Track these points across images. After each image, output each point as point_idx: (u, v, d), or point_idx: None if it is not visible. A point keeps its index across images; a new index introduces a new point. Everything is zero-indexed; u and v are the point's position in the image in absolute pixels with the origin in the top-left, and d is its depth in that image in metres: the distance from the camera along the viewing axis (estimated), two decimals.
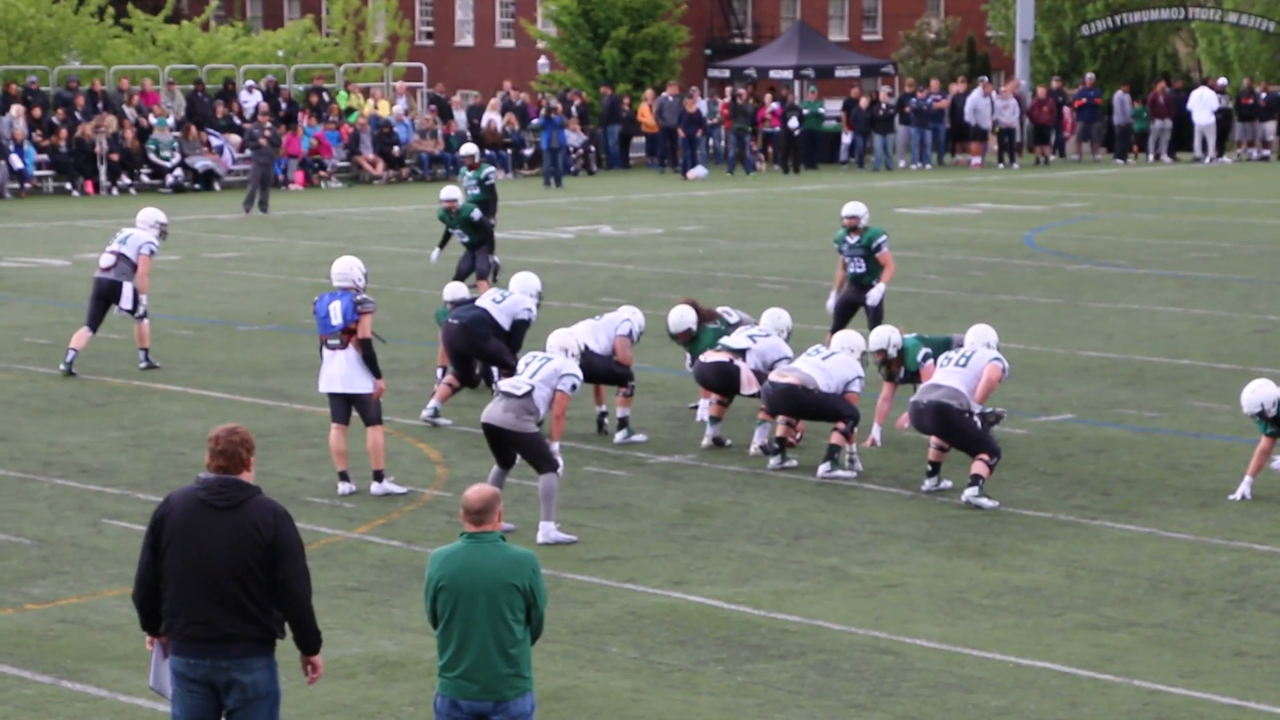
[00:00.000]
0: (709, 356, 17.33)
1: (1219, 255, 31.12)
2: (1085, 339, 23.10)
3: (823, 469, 16.23)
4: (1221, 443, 17.50)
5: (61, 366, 20.94)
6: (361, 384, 15.58)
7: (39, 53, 49.66)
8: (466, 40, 78.05)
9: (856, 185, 44.53)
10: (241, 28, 56.66)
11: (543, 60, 63.56)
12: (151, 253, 21.20)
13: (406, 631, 12.20)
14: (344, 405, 15.72)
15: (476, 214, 23.59)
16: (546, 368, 14.47)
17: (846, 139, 49.93)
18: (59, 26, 50.06)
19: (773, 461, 16.62)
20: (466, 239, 23.66)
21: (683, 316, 18.05)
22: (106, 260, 21.05)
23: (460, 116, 48.36)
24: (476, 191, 26.59)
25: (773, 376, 16.53)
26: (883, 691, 11.18)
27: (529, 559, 8.63)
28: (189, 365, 21.50)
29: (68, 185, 42.99)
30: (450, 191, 23.84)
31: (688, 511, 15.28)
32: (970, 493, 15.26)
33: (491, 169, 27.80)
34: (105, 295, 20.93)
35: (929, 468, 15.84)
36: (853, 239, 20.23)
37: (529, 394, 14.27)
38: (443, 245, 24.40)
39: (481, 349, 18.36)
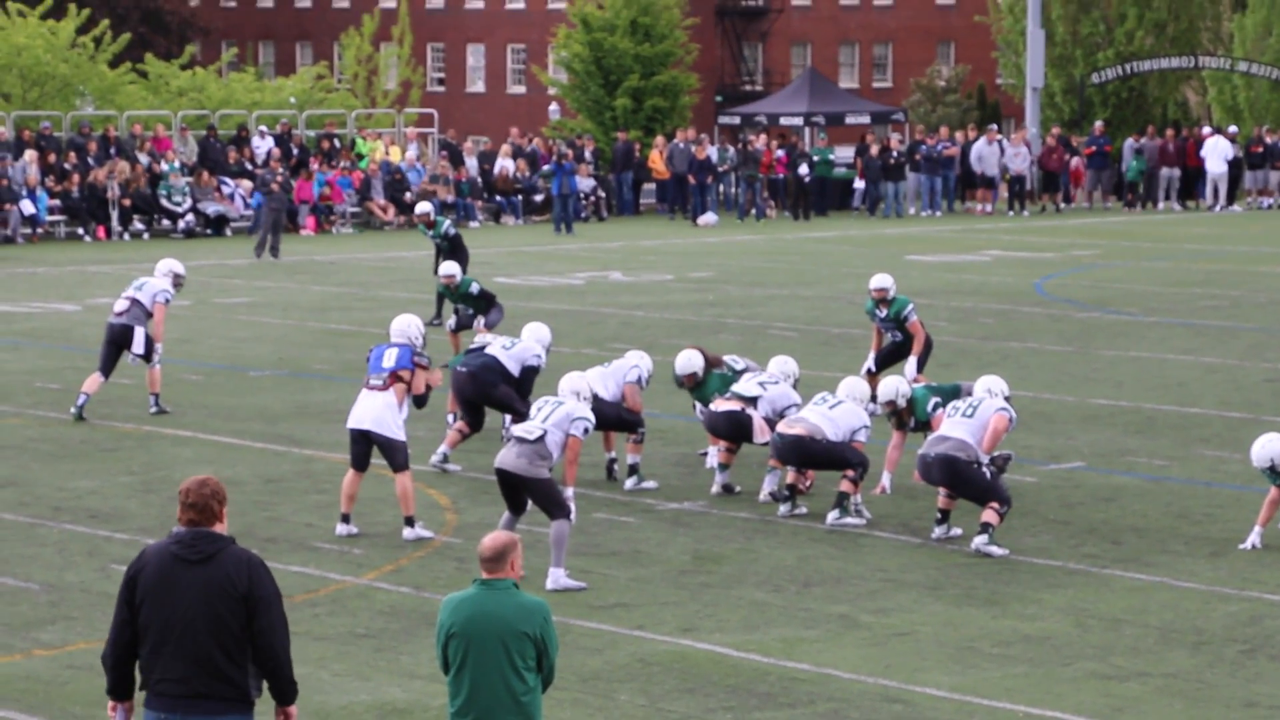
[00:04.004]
0: (720, 405, 17.34)
1: (1229, 304, 31.11)
2: (1095, 387, 23.07)
3: (831, 516, 16.21)
4: (1232, 492, 17.47)
5: (72, 410, 20.96)
6: (391, 429, 15.65)
7: (52, 98, 49.85)
8: (478, 86, 78.30)
9: (867, 232, 44.57)
10: (254, 74, 56.85)
11: (554, 106, 63.73)
12: (166, 301, 21.29)
13: (415, 678, 12.17)
14: (366, 449, 15.78)
15: (476, 287, 23.62)
16: (558, 412, 14.48)
17: (859, 185, 49.99)
18: (73, 73, 50.25)
19: (782, 509, 16.60)
20: (471, 311, 23.71)
21: (690, 360, 18.07)
22: (121, 305, 21.13)
23: (471, 163, 48.48)
24: (445, 245, 27.13)
25: (780, 427, 16.52)
26: None
27: (541, 607, 8.62)
28: (199, 410, 21.52)
29: (80, 230, 43.10)
30: (449, 268, 23.93)
31: (697, 558, 15.25)
32: (980, 540, 15.23)
33: (449, 221, 28.11)
34: (117, 340, 20.98)
35: (939, 515, 15.82)
36: (882, 311, 20.38)
37: (541, 439, 14.29)
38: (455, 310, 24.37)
39: (491, 396, 18.37)
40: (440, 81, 77.86)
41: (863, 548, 15.56)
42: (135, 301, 21.09)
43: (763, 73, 77.00)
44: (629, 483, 17.61)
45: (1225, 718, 11.53)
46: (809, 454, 16.29)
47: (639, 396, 17.83)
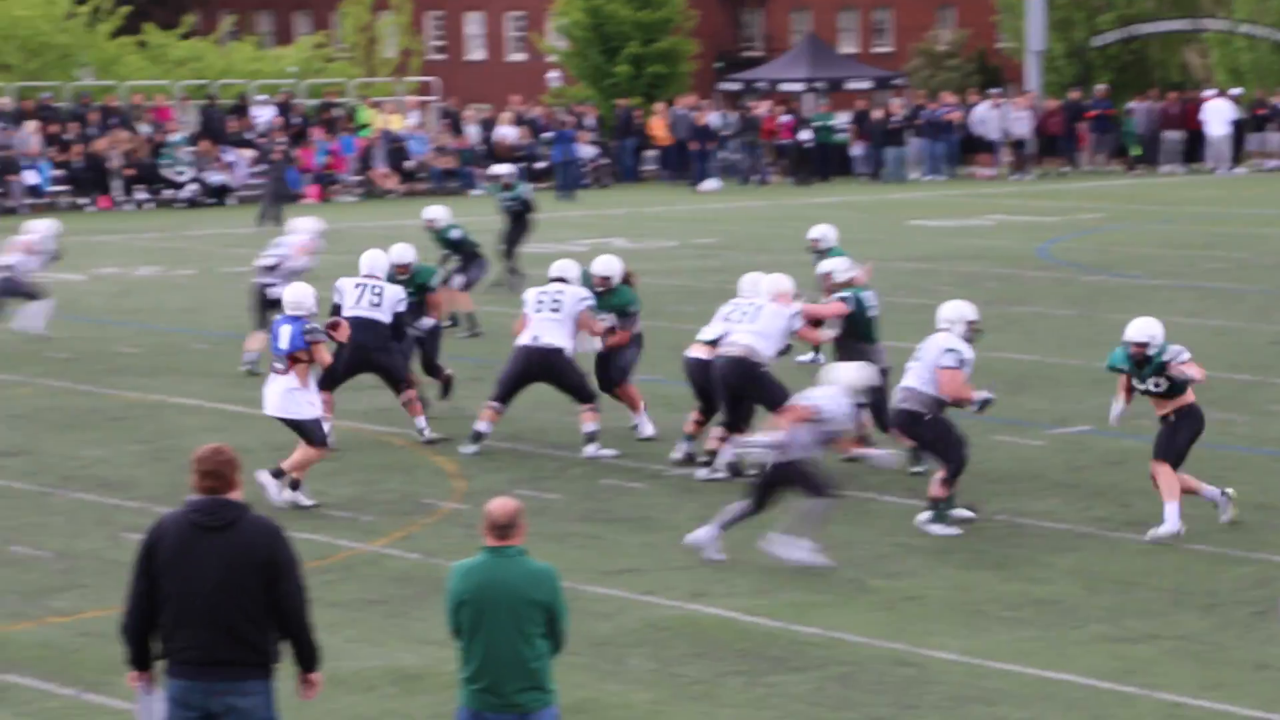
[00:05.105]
0: (693, 351, 17.22)
1: (1234, 266, 31.09)
2: (1101, 350, 22.95)
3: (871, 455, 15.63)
4: (1239, 454, 17.47)
5: (243, 368, 21.29)
6: (297, 410, 15.55)
7: (53, 68, 49.79)
8: (478, 54, 78.11)
9: (869, 198, 44.53)
10: (254, 43, 56.77)
11: (553, 73, 63.61)
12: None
13: (427, 644, 12.20)
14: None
15: (456, 233, 23.75)
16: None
17: (855, 151, 49.88)
18: (73, 42, 50.19)
19: (700, 473, 16.61)
20: (457, 263, 23.85)
21: (609, 263, 18.36)
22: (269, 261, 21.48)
23: (473, 130, 48.41)
24: (518, 209, 27.23)
25: (719, 351, 16.54)
26: (904, 704, 11.17)
27: (550, 573, 8.64)
28: (206, 379, 21.52)
29: (82, 200, 43.08)
30: (432, 211, 24.05)
31: (706, 523, 15.25)
32: (922, 518, 14.92)
33: (530, 185, 28.32)
34: (272, 304, 20.35)
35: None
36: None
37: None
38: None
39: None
40: (440, 49, 77.69)
41: (872, 513, 15.58)
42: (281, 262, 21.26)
43: (763, 38, 76.82)
44: (588, 450, 17.52)
45: (1236, 679, 11.55)
46: (748, 376, 16.32)
47: (594, 320, 17.74)
